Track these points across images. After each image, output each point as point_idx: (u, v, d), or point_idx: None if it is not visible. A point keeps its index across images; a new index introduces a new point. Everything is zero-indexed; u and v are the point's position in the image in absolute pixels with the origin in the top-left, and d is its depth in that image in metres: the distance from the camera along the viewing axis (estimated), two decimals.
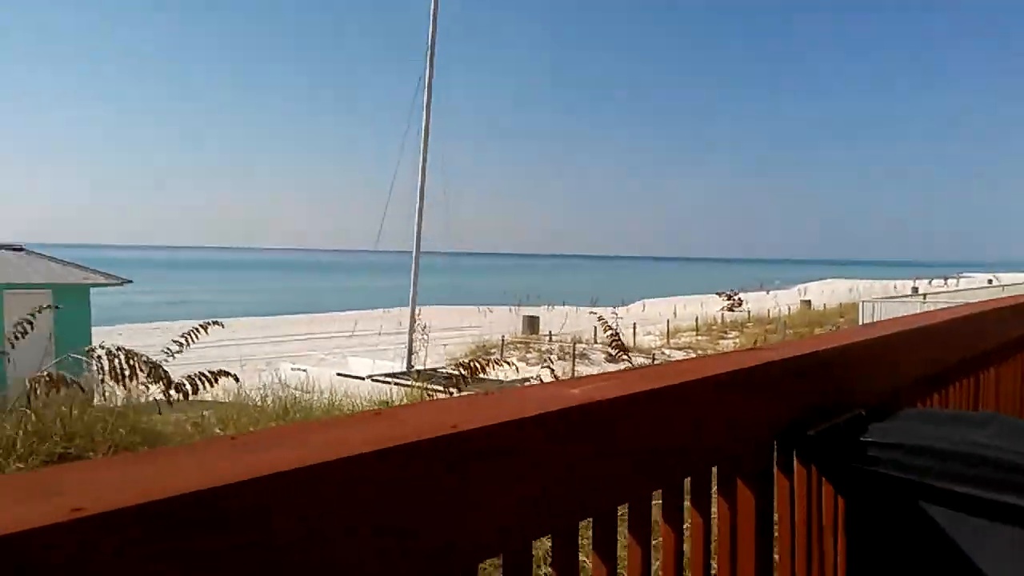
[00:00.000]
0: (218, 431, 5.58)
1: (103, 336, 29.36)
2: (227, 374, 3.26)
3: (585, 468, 1.07)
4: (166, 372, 3.66)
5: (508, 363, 8.30)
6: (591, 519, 1.12)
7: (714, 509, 1.44)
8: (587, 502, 1.10)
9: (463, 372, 7.58)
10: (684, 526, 1.32)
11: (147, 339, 32.65)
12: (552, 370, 10.43)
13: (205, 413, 7.42)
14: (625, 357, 5.70)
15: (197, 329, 4.03)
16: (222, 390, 11.22)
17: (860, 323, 17.18)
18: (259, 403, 8.19)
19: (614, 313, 27.51)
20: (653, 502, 1.25)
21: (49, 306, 5.84)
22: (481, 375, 19.33)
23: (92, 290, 17.75)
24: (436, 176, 20.89)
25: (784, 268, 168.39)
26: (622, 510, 1.19)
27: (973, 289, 35.06)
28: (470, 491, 0.89)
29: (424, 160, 20.52)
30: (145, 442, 5.02)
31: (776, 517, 1.57)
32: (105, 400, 5.65)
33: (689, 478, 1.34)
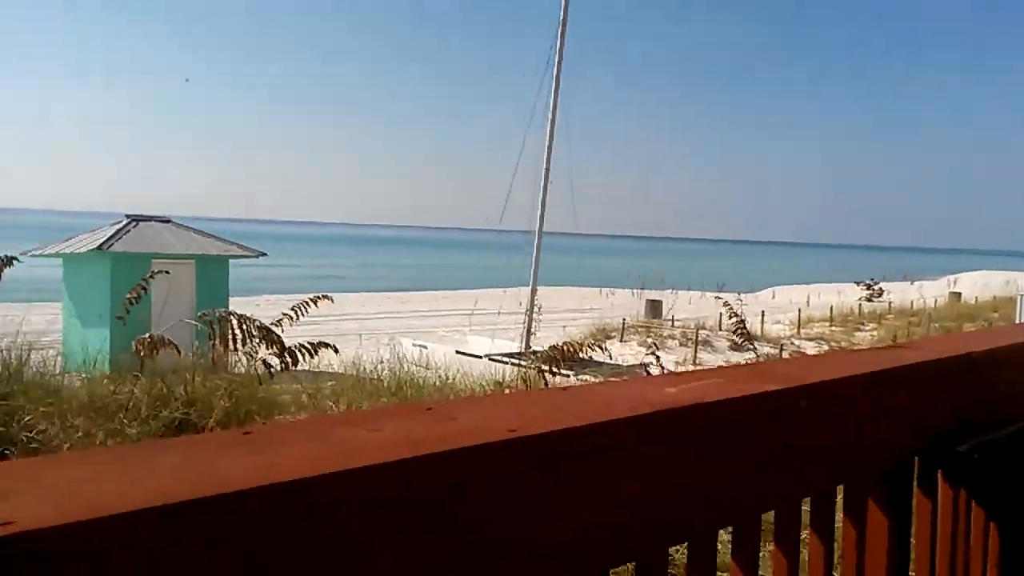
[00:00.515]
0: (330, 404, 5.68)
1: (241, 306, 31.13)
2: (327, 346, 3.26)
3: (681, 477, 0.92)
4: (279, 337, 3.72)
5: (602, 348, 8.06)
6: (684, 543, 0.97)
7: (838, 533, 1.23)
8: (676, 525, 0.94)
9: (558, 355, 7.40)
10: (799, 553, 1.12)
11: (282, 309, 34.37)
12: (658, 357, 10.08)
13: (326, 385, 7.62)
14: (751, 346, 5.32)
15: (306, 303, 4.07)
16: (343, 361, 11.58)
17: (1018, 319, 15.76)
18: (376, 377, 8.33)
19: (739, 299, 26.49)
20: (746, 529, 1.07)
21: (154, 274, 6.10)
22: (584, 357, 19.16)
23: (233, 262, 18.72)
24: (563, 155, 20.72)
25: (932, 257, 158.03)
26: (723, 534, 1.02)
27: None
28: (535, 508, 0.75)
29: (551, 138, 20.38)
30: (261, 410, 5.17)
31: (912, 543, 1.35)
32: (227, 367, 5.87)
33: (808, 498, 1.14)
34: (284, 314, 4.06)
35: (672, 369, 19.32)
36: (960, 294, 50.12)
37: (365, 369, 9.86)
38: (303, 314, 4.02)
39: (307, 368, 16.00)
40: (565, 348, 7.50)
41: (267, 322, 5.79)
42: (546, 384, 8.96)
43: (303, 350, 3.12)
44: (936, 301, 43.07)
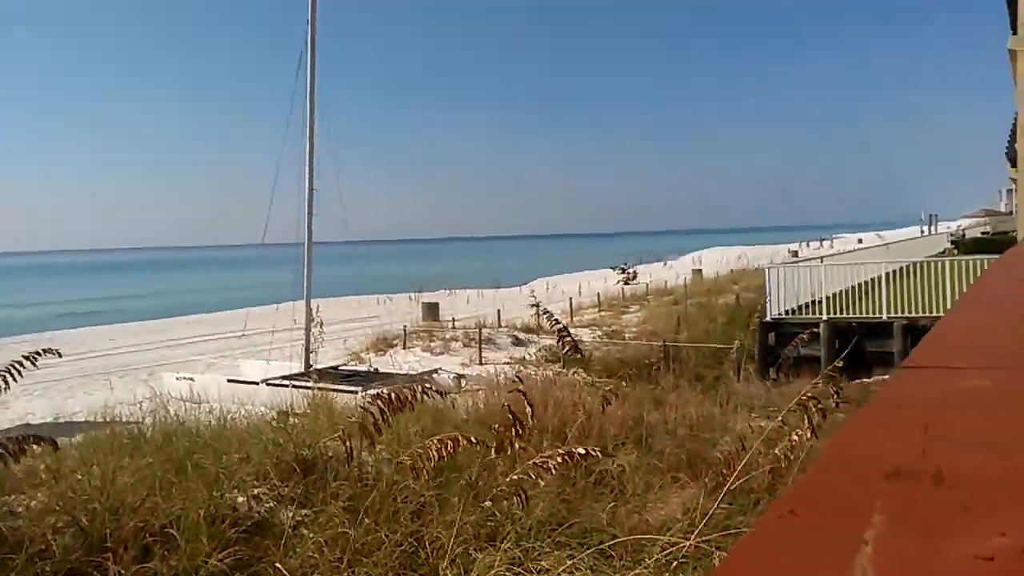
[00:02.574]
0: (78, 476, 4.56)
1: None
2: (43, 441, 2.37)
3: None
4: None
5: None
6: None
7: None
8: None
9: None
10: None
11: (11, 355, 29.86)
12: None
13: (71, 444, 6.29)
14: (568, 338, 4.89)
15: (18, 364, 3.05)
16: (95, 408, 9.92)
17: (768, 290, 17.20)
18: (137, 424, 7.08)
19: (532, 295, 26.83)
20: None
21: None
22: (369, 370, 18.40)
23: None
24: (325, 160, 19.63)
25: (671, 239, 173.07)
26: None
27: (868, 248, 36.41)
28: None
29: (311, 145, 19.23)
30: None
31: None
32: None
33: None
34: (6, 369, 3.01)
35: (458, 371, 19.08)
36: (701, 271, 54.94)
37: (120, 416, 8.45)
38: (16, 378, 3.00)
39: (48, 419, 13.77)
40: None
41: None
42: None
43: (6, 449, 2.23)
44: (686, 279, 46.87)
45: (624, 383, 5.88)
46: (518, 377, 3.52)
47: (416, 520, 4.36)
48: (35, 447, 2.51)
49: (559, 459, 2.70)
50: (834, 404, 2.99)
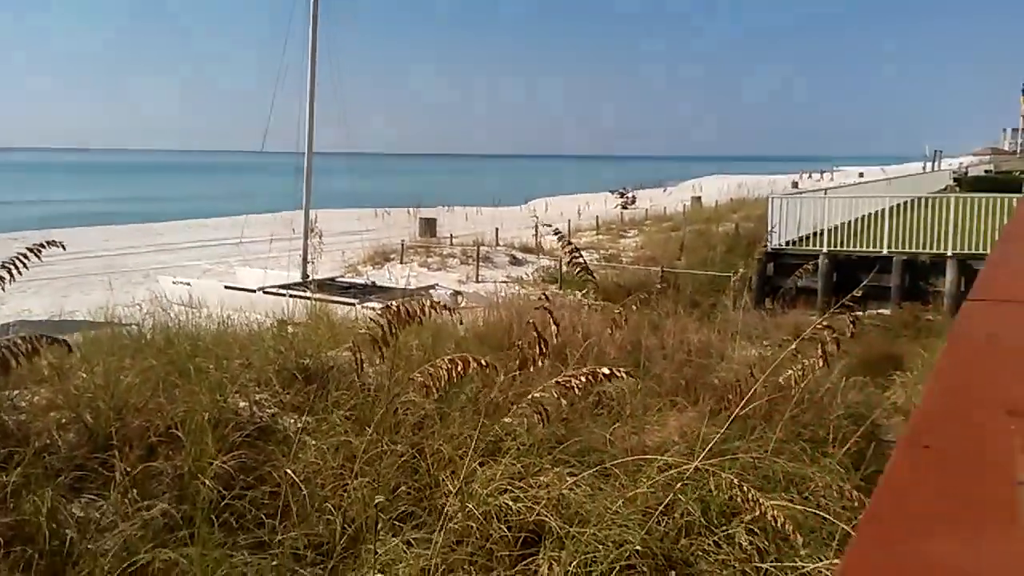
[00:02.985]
0: (81, 373, 4.58)
1: None
2: (57, 341, 2.34)
3: None
4: None
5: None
6: None
7: None
8: None
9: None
10: None
11: (5, 251, 29.78)
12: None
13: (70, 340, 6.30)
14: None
15: (24, 255, 2.99)
16: (93, 307, 9.92)
17: (769, 222, 17.12)
18: (137, 326, 7.08)
19: (533, 215, 26.65)
20: None
21: None
22: (366, 282, 18.39)
23: None
24: (327, 69, 19.16)
25: (672, 165, 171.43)
26: None
27: (870, 182, 36.14)
28: None
29: (313, 53, 18.72)
30: None
31: None
32: None
33: None
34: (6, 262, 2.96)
35: (456, 288, 19.13)
36: (700, 198, 54.60)
37: (119, 317, 8.46)
38: (22, 271, 2.96)
39: (44, 317, 13.81)
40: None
41: None
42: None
43: (9, 353, 2.20)
44: (685, 206, 46.63)
45: (622, 307, 5.90)
46: (545, 295, 3.49)
47: (418, 432, 4.41)
48: (50, 346, 2.47)
49: (583, 378, 2.70)
50: (849, 334, 2.98)
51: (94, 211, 48.67)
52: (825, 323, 3.00)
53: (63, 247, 3.26)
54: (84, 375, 4.59)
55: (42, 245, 3.24)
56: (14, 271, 2.93)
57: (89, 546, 3.10)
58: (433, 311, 2.81)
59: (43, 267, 3.25)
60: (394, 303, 2.89)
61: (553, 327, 2.87)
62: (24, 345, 2.39)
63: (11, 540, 3.07)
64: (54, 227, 37.59)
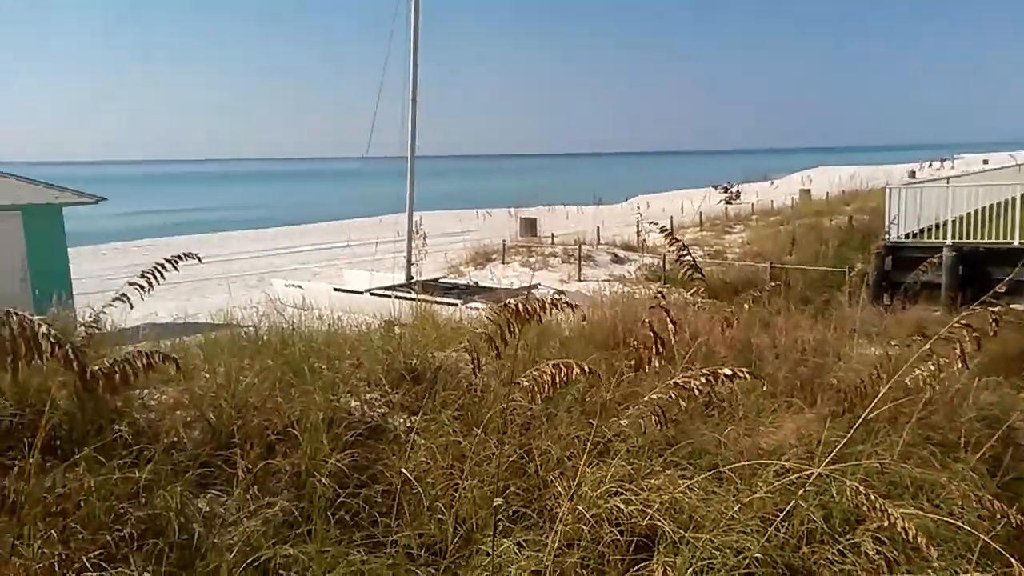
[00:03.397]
0: (204, 373, 4.79)
1: (85, 257, 28.47)
2: (170, 359, 2.48)
3: None
4: (77, 355, 2.76)
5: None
6: None
7: None
8: None
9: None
10: None
11: (133, 258, 31.74)
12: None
13: (192, 343, 6.62)
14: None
15: (162, 266, 3.15)
16: (213, 310, 10.42)
17: (887, 213, 16.29)
18: (254, 327, 7.37)
19: (638, 212, 26.17)
20: None
21: None
22: (468, 283, 18.54)
23: (68, 209, 16.65)
24: (432, 78, 19.52)
25: (777, 158, 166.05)
26: None
27: (996, 169, 33.99)
28: None
29: (415, 61, 19.08)
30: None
31: None
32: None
33: None
34: (130, 283, 3.13)
35: (558, 287, 19.10)
36: (809, 191, 52.62)
37: (237, 319, 8.82)
38: (159, 279, 3.12)
39: (169, 320, 14.64)
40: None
41: (116, 275, 4.78)
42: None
43: (132, 366, 2.33)
44: (793, 200, 45.06)
45: (731, 305, 5.70)
46: (661, 293, 3.40)
47: (525, 433, 4.40)
48: (162, 362, 2.60)
49: (703, 379, 2.60)
50: (991, 333, 2.76)
51: (207, 219, 51.27)
52: (964, 321, 2.78)
53: (199, 258, 3.41)
54: (207, 375, 4.79)
55: (179, 257, 3.40)
56: (152, 280, 3.09)
57: (215, 540, 3.23)
58: (565, 307, 2.77)
59: (167, 272, 3.43)
60: (512, 301, 2.86)
61: (671, 326, 2.77)
62: (141, 361, 2.50)
63: (144, 533, 3.23)
64: (172, 235, 39.84)
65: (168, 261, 3.12)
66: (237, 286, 20.27)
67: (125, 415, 4.23)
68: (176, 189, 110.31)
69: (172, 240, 36.96)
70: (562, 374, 2.80)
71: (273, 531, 3.31)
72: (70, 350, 2.31)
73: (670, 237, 3.59)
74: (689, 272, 3.82)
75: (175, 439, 4.11)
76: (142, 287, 3.10)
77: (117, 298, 3.30)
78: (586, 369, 2.84)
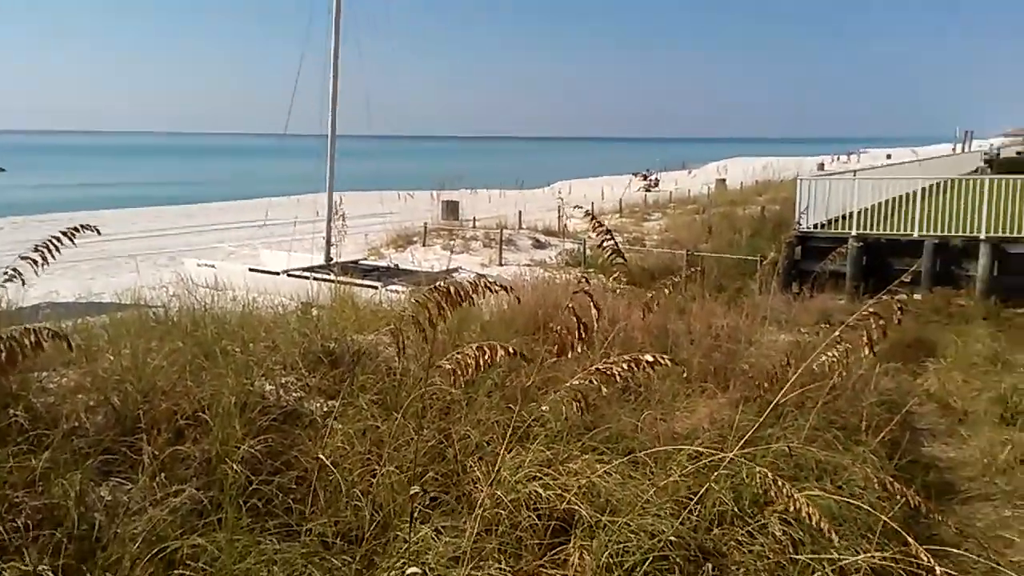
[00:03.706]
0: (108, 355, 4.57)
1: None
2: (59, 337, 2.32)
3: None
4: None
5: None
6: None
7: None
8: None
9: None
10: None
11: (29, 234, 30.07)
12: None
13: (96, 323, 6.32)
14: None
15: (56, 239, 2.96)
16: (120, 289, 9.97)
17: (798, 204, 16.86)
18: (163, 308, 7.09)
19: (559, 196, 26.16)
20: None
21: None
22: (389, 265, 18.35)
23: None
24: (354, 53, 19.09)
25: (694, 147, 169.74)
26: None
27: (900, 164, 35.56)
28: None
29: (336, 36, 18.62)
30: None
31: None
32: None
33: None
34: (23, 257, 2.93)
35: (479, 271, 19.07)
36: (725, 180, 53.99)
37: (145, 299, 8.48)
38: (55, 255, 2.93)
39: (71, 299, 13.98)
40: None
41: (12, 250, 4.46)
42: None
43: (19, 344, 2.16)
44: (710, 189, 46.16)
45: (649, 291, 5.81)
46: (585, 278, 3.41)
47: (445, 418, 4.37)
48: (53, 340, 2.44)
49: (624, 366, 2.62)
50: (896, 321, 2.87)
51: (117, 194, 49.07)
52: (871, 309, 2.89)
53: (98, 231, 3.22)
54: (111, 357, 4.58)
55: (76, 229, 3.20)
56: (47, 255, 2.90)
57: (118, 531, 3.09)
58: (498, 289, 2.73)
59: (69, 249, 3.23)
60: (442, 284, 2.81)
61: (594, 312, 2.78)
62: (30, 338, 2.35)
63: (40, 523, 3.07)
64: (79, 209, 38.00)
65: (64, 234, 2.93)
66: (146, 265, 19.48)
67: (21, 399, 4.01)
68: (81, 161, 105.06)
69: (76, 215, 35.21)
70: (485, 357, 2.77)
71: (181, 520, 3.19)
72: None
73: (594, 222, 3.60)
74: (612, 257, 3.84)
75: (76, 424, 3.92)
76: (35, 262, 2.91)
77: (8, 276, 3.09)
78: (511, 351, 2.82)
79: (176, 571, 2.89)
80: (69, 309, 9.47)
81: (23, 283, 3.09)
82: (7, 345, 2.35)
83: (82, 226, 3.11)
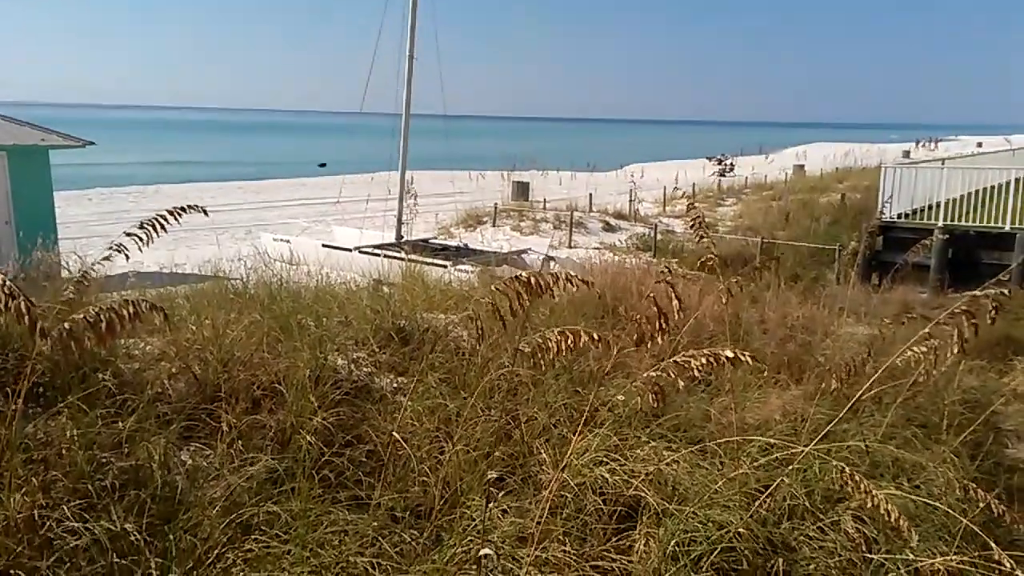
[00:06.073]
0: (191, 325, 4.74)
1: (71, 200, 28.11)
2: (157, 309, 2.42)
3: None
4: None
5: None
6: None
7: None
8: None
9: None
10: None
11: (119, 204, 31.38)
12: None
13: (179, 293, 6.55)
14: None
15: (163, 218, 3.07)
16: (200, 262, 10.30)
17: (881, 193, 16.26)
18: (242, 281, 7.30)
19: (632, 181, 25.75)
20: None
21: None
22: (459, 245, 18.46)
23: (62, 153, 16.33)
24: (430, 35, 19.20)
25: (773, 132, 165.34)
26: None
27: (990, 153, 33.99)
28: None
29: (413, 17, 18.75)
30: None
31: None
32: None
33: None
34: (127, 234, 3.05)
35: (548, 253, 19.04)
36: (803, 166, 52.49)
37: (225, 272, 8.74)
38: (160, 231, 3.04)
39: (155, 269, 14.52)
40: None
41: (101, 220, 4.66)
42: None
43: (118, 315, 2.27)
44: (787, 175, 44.96)
45: (725, 279, 5.68)
46: (667, 268, 3.37)
47: (512, 399, 4.39)
48: (148, 312, 2.54)
49: (703, 360, 2.58)
50: (990, 320, 2.74)
51: (197, 170, 50.65)
52: (963, 306, 2.77)
53: (204, 211, 3.33)
54: (193, 328, 4.74)
55: (183, 209, 3.32)
56: (158, 230, 3.02)
57: (198, 494, 3.21)
58: (580, 283, 2.71)
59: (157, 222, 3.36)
60: (524, 273, 2.81)
61: (675, 303, 2.74)
62: (128, 309, 2.44)
63: (125, 484, 3.20)
64: (162, 183, 39.36)
65: (170, 212, 3.04)
66: (225, 238, 20.09)
67: (110, 364, 4.19)
68: (165, 135, 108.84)
69: (160, 188, 36.55)
70: (568, 342, 2.76)
71: (256, 487, 3.30)
72: (23, 304, 2.26)
73: (690, 205, 3.53)
74: (701, 239, 3.78)
75: (159, 391, 4.08)
76: (141, 238, 3.03)
77: (115, 249, 3.23)
78: (594, 337, 2.80)
79: (251, 536, 2.99)
80: (153, 279, 9.85)
81: (127, 258, 3.22)
82: (107, 316, 2.46)
83: (190, 206, 3.22)
